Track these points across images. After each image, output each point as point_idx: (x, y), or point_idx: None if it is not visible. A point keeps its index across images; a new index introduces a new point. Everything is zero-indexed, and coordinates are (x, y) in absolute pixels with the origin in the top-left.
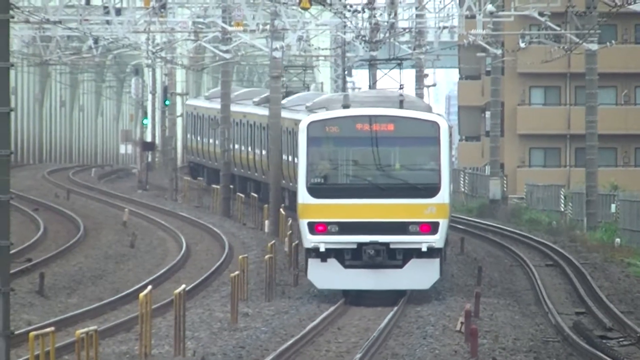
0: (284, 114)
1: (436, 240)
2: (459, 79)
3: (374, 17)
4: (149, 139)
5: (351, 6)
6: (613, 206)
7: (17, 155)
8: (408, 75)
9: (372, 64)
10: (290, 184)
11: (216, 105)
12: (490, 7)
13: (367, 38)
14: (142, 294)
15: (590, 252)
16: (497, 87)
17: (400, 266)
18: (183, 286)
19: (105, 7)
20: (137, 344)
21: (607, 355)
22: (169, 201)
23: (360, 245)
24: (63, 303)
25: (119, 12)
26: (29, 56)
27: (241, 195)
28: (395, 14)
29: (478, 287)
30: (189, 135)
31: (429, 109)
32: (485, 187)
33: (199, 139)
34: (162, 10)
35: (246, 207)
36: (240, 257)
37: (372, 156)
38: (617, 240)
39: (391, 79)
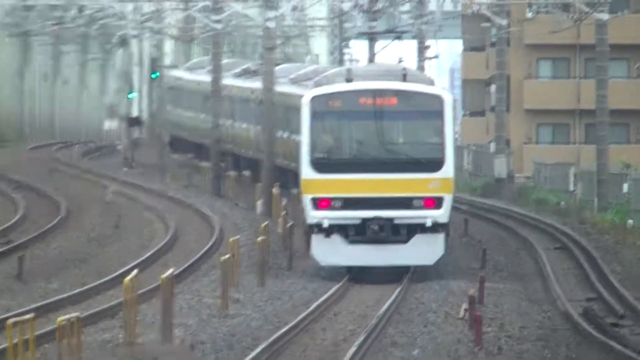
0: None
1: (440, 215)
2: (463, 50)
3: None
4: (135, 114)
5: None
6: (625, 186)
7: None
8: (409, 47)
9: (370, 37)
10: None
11: (197, 76)
12: None
13: (365, 8)
14: (127, 279)
15: (602, 234)
16: (503, 59)
17: (405, 241)
18: (171, 270)
19: None
20: (121, 331)
21: (620, 344)
22: (156, 180)
23: (364, 220)
24: (43, 288)
25: None
26: (9, 26)
27: (233, 173)
28: None
29: (482, 271)
30: (168, 108)
31: (432, 83)
32: (490, 165)
33: (179, 111)
34: None
35: (239, 185)
36: (231, 239)
37: (375, 130)
38: (630, 221)
39: (390, 52)
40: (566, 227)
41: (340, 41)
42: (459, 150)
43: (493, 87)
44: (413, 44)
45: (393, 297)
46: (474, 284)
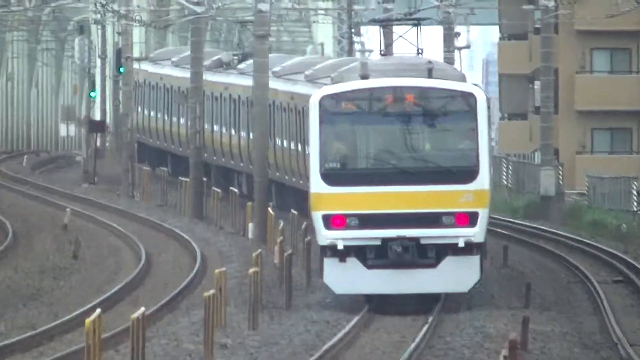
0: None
1: (475, 233)
2: (500, 39)
3: None
4: (97, 117)
5: None
6: None
7: None
8: (434, 34)
9: (384, 25)
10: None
11: (161, 70)
12: None
13: None
14: (88, 320)
15: None
16: (549, 50)
17: (433, 265)
18: (142, 309)
19: None
20: None
21: None
22: (124, 198)
23: (385, 241)
24: None
25: None
26: None
27: (217, 190)
28: None
29: (526, 310)
30: (139, 109)
31: (462, 78)
32: (535, 179)
33: (146, 113)
34: None
35: (222, 204)
36: (217, 270)
37: (397, 135)
38: None
39: (409, 42)
40: (628, 256)
41: (349, 27)
42: (496, 161)
43: (537, 84)
44: (438, 31)
45: (417, 341)
46: (516, 325)
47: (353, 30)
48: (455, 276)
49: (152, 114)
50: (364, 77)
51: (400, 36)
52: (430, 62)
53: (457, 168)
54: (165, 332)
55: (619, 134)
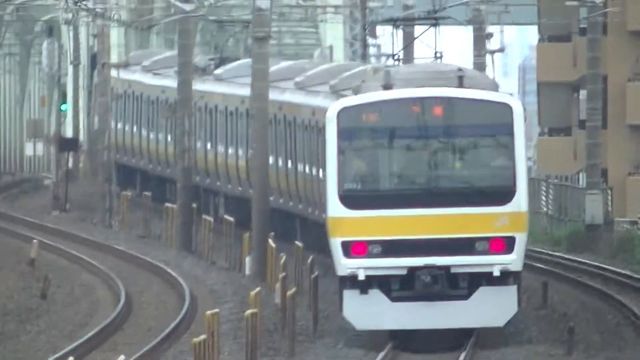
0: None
1: (512, 260)
2: (539, 41)
3: None
4: (69, 133)
5: None
6: None
7: None
8: (463, 35)
9: (397, 25)
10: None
11: (131, 76)
12: None
13: None
14: None
15: None
16: (597, 54)
17: (465, 297)
18: (121, 358)
19: None
20: None
21: None
22: (100, 228)
23: (412, 270)
24: None
25: None
26: None
27: (208, 219)
28: None
29: (569, 357)
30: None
31: (494, 87)
32: (580, 205)
33: (126, 128)
34: None
35: (214, 235)
36: (208, 313)
37: (425, 152)
38: None
39: (427, 44)
40: None
41: (362, 28)
42: (534, 184)
43: (583, 94)
44: (468, 31)
45: None
46: None
47: (367, 31)
48: (490, 309)
49: (133, 129)
50: (387, 87)
51: (416, 38)
52: (460, 69)
53: (491, 188)
54: None
55: None
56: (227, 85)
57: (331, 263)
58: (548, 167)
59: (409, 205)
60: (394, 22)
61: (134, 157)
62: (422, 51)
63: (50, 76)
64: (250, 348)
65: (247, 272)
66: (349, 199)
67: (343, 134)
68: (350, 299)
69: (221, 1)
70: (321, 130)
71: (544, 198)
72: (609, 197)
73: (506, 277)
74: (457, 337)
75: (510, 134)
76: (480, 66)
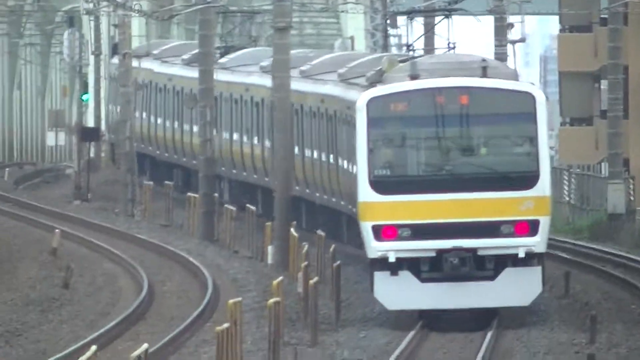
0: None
1: (537, 243)
2: (560, 31)
3: None
4: (90, 123)
5: None
6: None
7: None
8: (484, 25)
9: (410, 17)
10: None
11: (146, 64)
12: None
13: None
14: (82, 359)
15: None
16: (618, 44)
17: (492, 278)
18: (144, 346)
19: None
20: None
21: None
22: (122, 217)
23: (440, 252)
24: None
25: None
26: None
27: (230, 208)
28: None
29: (591, 346)
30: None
31: (515, 77)
32: (602, 195)
33: (159, 121)
34: None
35: (237, 223)
36: (231, 301)
37: (451, 139)
38: None
39: (443, 35)
40: None
41: (383, 18)
42: (556, 173)
43: (604, 84)
44: (489, 21)
45: None
46: None
47: (388, 21)
48: (516, 289)
49: (167, 123)
50: (414, 77)
51: (429, 30)
52: (484, 60)
53: (516, 173)
54: None
55: None
56: (231, 74)
57: (343, 248)
58: (570, 156)
59: (437, 191)
60: (407, 14)
61: (142, 143)
62: (442, 42)
63: (71, 66)
64: (272, 337)
65: (270, 261)
66: (379, 185)
67: (372, 123)
68: (381, 280)
69: None
70: (331, 118)
71: (566, 188)
72: (631, 187)
73: (531, 258)
74: (480, 320)
75: (534, 121)
76: (501, 56)
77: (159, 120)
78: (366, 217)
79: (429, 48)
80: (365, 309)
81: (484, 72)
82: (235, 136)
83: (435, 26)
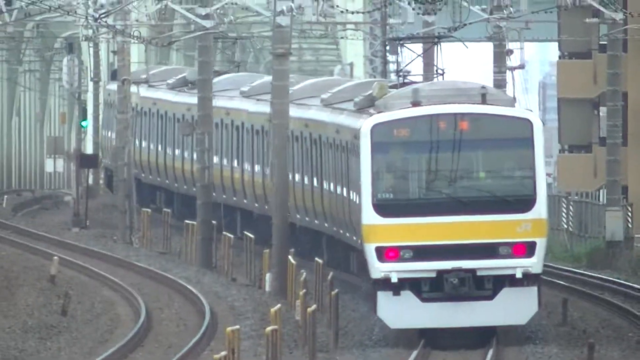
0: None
1: (533, 264)
2: (559, 57)
3: None
4: (89, 150)
5: None
6: None
7: None
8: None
9: (401, 44)
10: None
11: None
12: None
13: None
14: None
15: None
16: (617, 71)
17: (490, 297)
18: None
19: None
20: None
21: None
22: (120, 244)
23: (441, 273)
24: None
25: None
26: None
27: (228, 235)
28: None
29: None
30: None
31: (512, 103)
32: (600, 222)
33: (144, 145)
34: None
35: (235, 251)
36: (229, 329)
37: (452, 163)
38: None
39: (441, 61)
40: None
41: (383, 44)
42: (554, 201)
43: (603, 111)
44: (488, 47)
45: None
46: None
47: (388, 47)
48: (513, 308)
49: (151, 146)
50: (416, 103)
51: (418, 56)
52: (483, 87)
53: (513, 197)
54: None
55: None
56: (215, 100)
57: (347, 277)
58: (568, 184)
59: (438, 213)
60: (398, 40)
61: (136, 168)
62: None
63: (70, 93)
64: None
65: (268, 288)
66: (382, 208)
67: (376, 148)
68: (384, 300)
69: (241, 18)
70: (315, 142)
71: (564, 215)
72: (629, 214)
73: (528, 278)
74: (482, 336)
75: (531, 146)
76: (500, 83)
77: (144, 144)
78: (369, 239)
79: (418, 74)
80: (363, 336)
81: (484, 98)
82: (216, 159)
83: (427, 52)
